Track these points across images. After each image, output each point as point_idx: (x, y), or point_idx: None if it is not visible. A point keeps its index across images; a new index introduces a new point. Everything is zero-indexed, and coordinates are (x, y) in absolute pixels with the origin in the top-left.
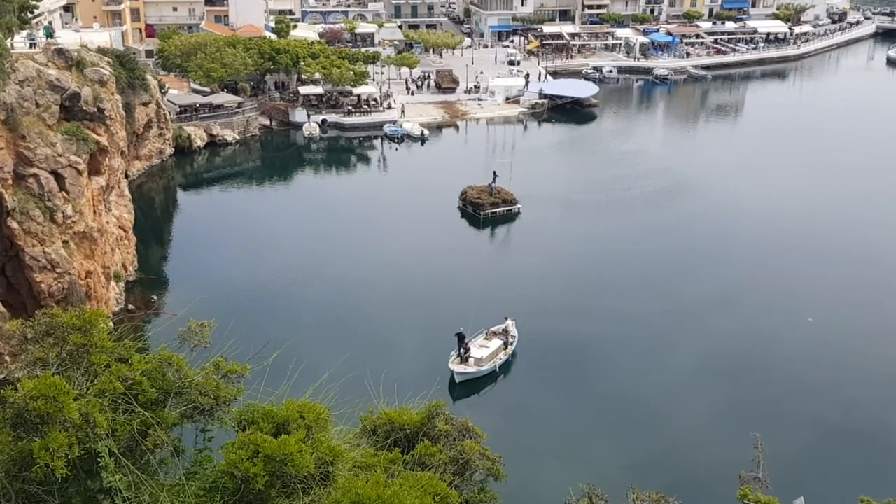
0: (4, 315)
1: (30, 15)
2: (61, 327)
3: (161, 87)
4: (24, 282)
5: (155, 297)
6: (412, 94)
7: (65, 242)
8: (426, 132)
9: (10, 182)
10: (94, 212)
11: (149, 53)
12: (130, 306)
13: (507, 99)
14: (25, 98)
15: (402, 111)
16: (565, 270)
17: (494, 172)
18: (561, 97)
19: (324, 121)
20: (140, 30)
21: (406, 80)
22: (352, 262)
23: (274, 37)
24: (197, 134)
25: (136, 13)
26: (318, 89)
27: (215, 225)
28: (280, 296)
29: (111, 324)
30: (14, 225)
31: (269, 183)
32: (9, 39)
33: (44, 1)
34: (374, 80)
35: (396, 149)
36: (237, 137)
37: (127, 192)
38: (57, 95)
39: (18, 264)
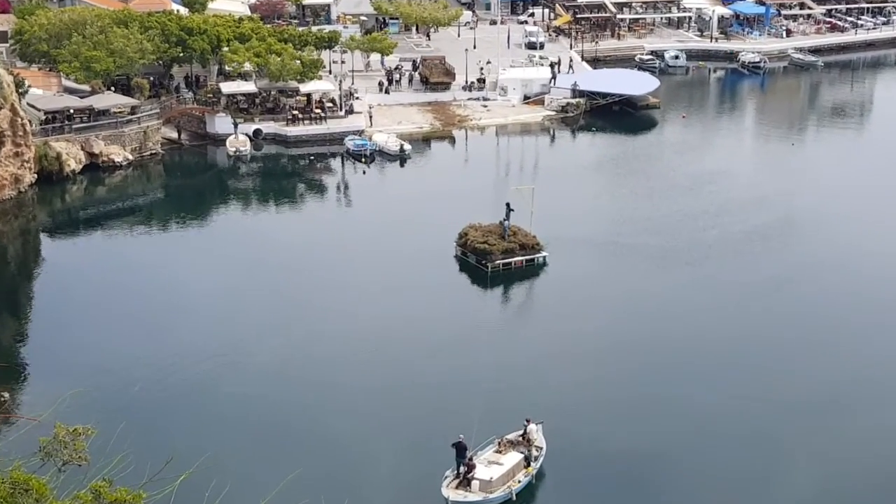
0: None
1: None
2: None
3: (18, 85)
4: None
5: (5, 395)
6: (387, 92)
7: None
8: (407, 147)
9: None
10: None
11: (0, 36)
12: None
13: (526, 98)
14: None
15: (371, 117)
16: (613, 350)
17: (508, 205)
18: (604, 95)
19: (257, 132)
20: None
21: (388, 73)
22: (300, 336)
23: (184, 11)
24: (71, 153)
25: None
26: (250, 86)
27: (97, 286)
28: (192, 387)
29: None
30: None
31: (177, 224)
32: None
33: None
34: (330, 73)
35: (364, 172)
36: (130, 157)
37: None
38: None
39: None
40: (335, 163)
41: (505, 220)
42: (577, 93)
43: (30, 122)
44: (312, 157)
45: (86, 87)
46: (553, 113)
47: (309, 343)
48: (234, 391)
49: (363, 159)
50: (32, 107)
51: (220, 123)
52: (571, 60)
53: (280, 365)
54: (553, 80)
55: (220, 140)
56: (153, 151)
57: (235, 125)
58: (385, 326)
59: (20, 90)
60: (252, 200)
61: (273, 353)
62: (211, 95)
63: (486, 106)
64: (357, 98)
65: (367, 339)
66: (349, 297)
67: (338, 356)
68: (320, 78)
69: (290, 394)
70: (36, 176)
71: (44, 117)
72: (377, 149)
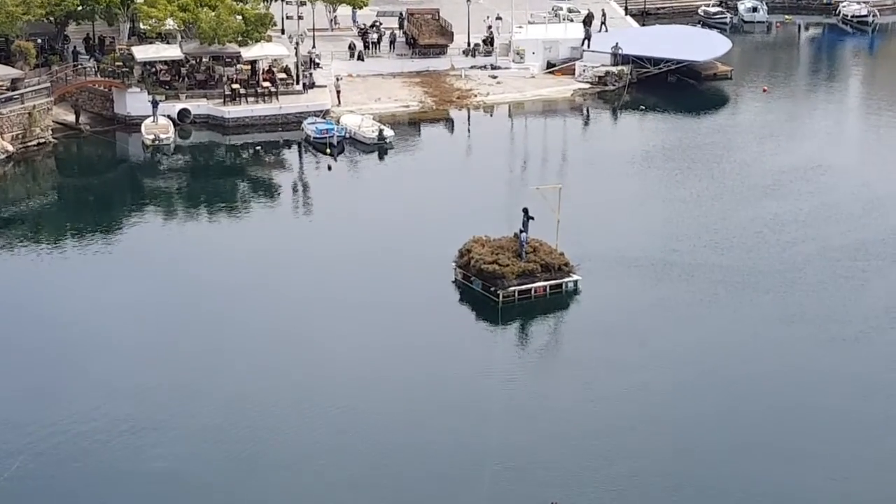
0: None
1: None
2: None
3: None
4: None
5: None
6: (360, 58)
7: None
8: (388, 133)
9: None
10: None
11: None
12: None
13: (550, 66)
14: None
15: (339, 93)
16: (666, 416)
17: (526, 212)
18: (656, 61)
19: (184, 113)
20: None
21: (361, 32)
22: (240, 391)
23: None
24: None
25: None
26: (173, 51)
27: None
28: (96, 463)
29: None
30: None
31: (74, 239)
32: None
33: None
34: (283, 33)
35: (330, 167)
36: (10, 149)
37: None
38: None
39: None
40: (290, 155)
41: (522, 231)
42: (619, 58)
43: None
44: (259, 148)
45: None
46: (587, 86)
47: (254, 400)
48: (155, 467)
49: (328, 150)
50: None
51: (134, 102)
52: (605, 16)
53: (218, 428)
54: (586, 42)
55: (133, 124)
56: (41, 140)
57: (154, 104)
58: (358, 378)
59: None
60: (176, 207)
61: (209, 412)
62: (120, 64)
63: (495, 77)
64: (320, 67)
65: (335, 397)
66: (311, 339)
67: (294, 418)
68: (269, 40)
69: (234, 469)
70: None
71: None
72: (347, 135)
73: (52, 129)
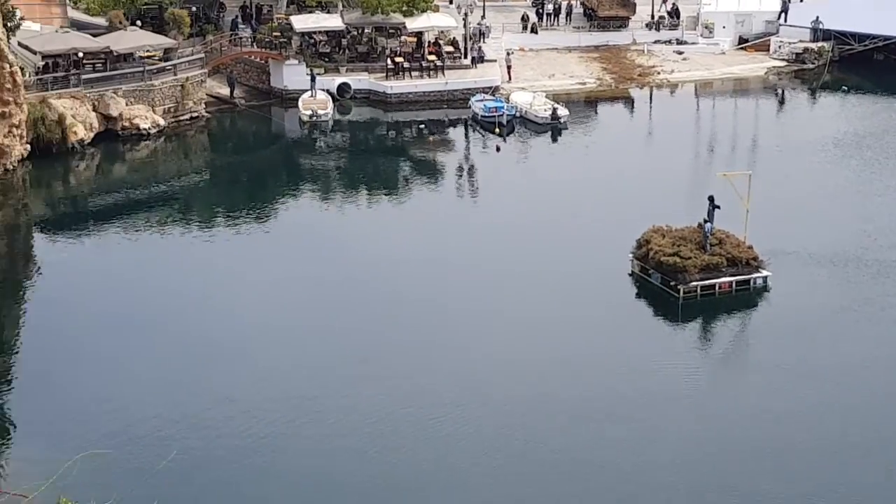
0: None
1: None
2: None
3: (7, 16)
4: None
5: None
6: (534, 31)
7: None
8: (563, 112)
9: None
10: None
11: None
12: None
13: (742, 42)
14: None
15: (510, 68)
16: (878, 433)
17: (711, 200)
18: (861, 37)
19: (343, 88)
20: None
21: (536, 2)
22: (399, 379)
23: None
24: (78, 115)
25: None
26: (334, 21)
27: (111, 306)
28: (248, 452)
29: None
30: None
31: (225, 219)
32: None
33: None
34: (451, 3)
35: (499, 148)
36: (161, 123)
37: None
38: None
39: None
40: (456, 134)
41: (706, 221)
42: (819, 33)
43: (21, 70)
44: (422, 126)
45: (101, 21)
46: (782, 63)
47: (411, 389)
48: (308, 465)
49: (497, 129)
50: (26, 48)
51: (291, 75)
52: None
53: (379, 426)
54: (783, 15)
55: (290, 99)
56: (194, 114)
57: (312, 78)
58: (531, 372)
59: (9, 24)
60: (333, 186)
61: (376, 399)
62: (278, 34)
63: (681, 52)
64: (489, 40)
65: (500, 394)
66: (473, 332)
67: (453, 411)
68: (436, 10)
69: (394, 466)
70: (29, 147)
71: (41, 64)
72: (517, 114)
73: (205, 103)
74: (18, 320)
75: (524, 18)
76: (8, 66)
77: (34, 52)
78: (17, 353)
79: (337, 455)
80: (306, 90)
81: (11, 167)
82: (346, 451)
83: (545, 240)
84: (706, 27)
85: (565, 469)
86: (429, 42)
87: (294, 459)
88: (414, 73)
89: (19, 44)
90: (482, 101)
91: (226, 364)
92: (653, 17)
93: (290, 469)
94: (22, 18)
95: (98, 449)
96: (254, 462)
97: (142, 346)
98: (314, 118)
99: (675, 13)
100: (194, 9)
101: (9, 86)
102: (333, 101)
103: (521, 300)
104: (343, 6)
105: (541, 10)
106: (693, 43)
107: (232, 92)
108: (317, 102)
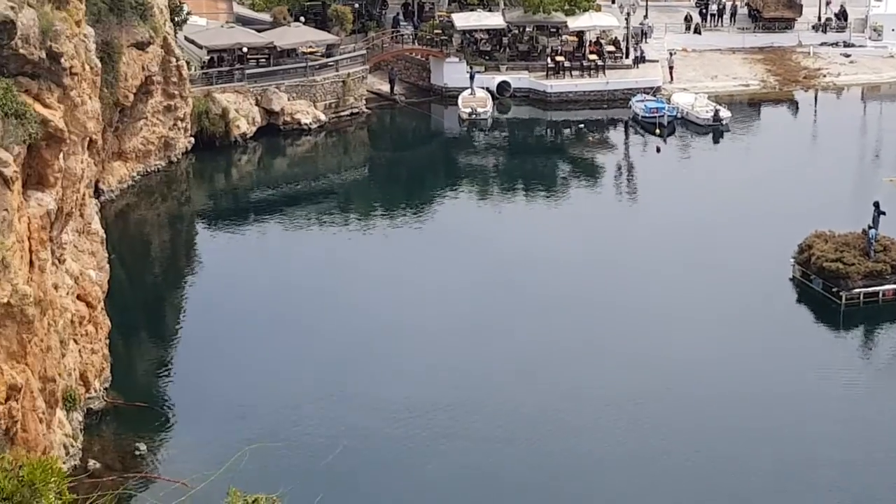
0: None
1: None
2: None
3: (174, 11)
4: None
5: (142, 447)
6: (697, 31)
7: None
8: (725, 114)
9: None
10: (31, 265)
11: None
12: (93, 462)
13: None
14: None
15: (672, 69)
16: None
17: (877, 206)
18: None
19: (503, 86)
20: None
21: (700, 2)
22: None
23: None
24: (242, 110)
25: None
26: (495, 20)
27: (273, 297)
28: (424, 448)
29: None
30: None
31: (384, 215)
32: None
33: None
34: (614, 2)
35: (659, 149)
36: (322, 118)
37: (98, 226)
38: None
39: None
40: (616, 134)
41: (871, 227)
42: None
43: (187, 64)
44: (582, 125)
45: (265, 17)
46: None
47: (569, 390)
48: (469, 463)
49: (658, 130)
50: (192, 42)
51: (451, 73)
52: None
53: (540, 427)
54: None
55: (449, 96)
56: (355, 110)
57: (472, 76)
58: (688, 374)
59: (176, 19)
60: (491, 185)
61: (530, 400)
62: (439, 32)
63: (848, 55)
64: (651, 40)
65: (655, 396)
66: (631, 332)
67: (611, 412)
68: (598, 9)
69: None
70: (193, 140)
71: (207, 58)
72: (679, 115)
73: (365, 99)
74: (180, 311)
75: (687, 19)
76: (174, 60)
77: (200, 47)
78: (179, 344)
79: (495, 453)
80: (466, 88)
81: (176, 159)
82: (505, 450)
83: (705, 242)
84: (875, 30)
85: (723, 468)
86: (590, 41)
87: (455, 458)
88: (574, 73)
89: (186, 38)
90: (643, 101)
91: (385, 363)
92: (819, 18)
93: (451, 467)
94: (189, 13)
95: (264, 442)
96: (416, 460)
97: (301, 342)
98: (473, 116)
99: (842, 15)
100: (357, 5)
101: (175, 79)
102: (493, 100)
103: (681, 301)
104: (505, 4)
105: (704, 11)
106: (861, 46)
107: (392, 88)
108: (476, 100)
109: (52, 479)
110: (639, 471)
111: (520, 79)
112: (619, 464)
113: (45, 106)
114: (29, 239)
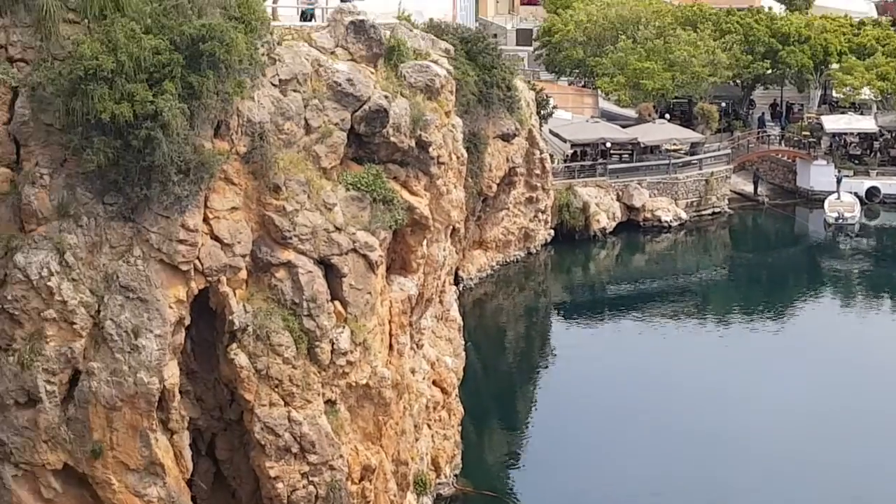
0: None
1: None
2: None
3: (541, 104)
4: (245, 473)
5: None
6: None
7: (329, 403)
8: None
9: (242, 274)
10: (391, 348)
11: (523, 36)
12: None
13: None
14: (287, 115)
15: None
16: None
17: None
18: None
19: (872, 192)
20: None
21: None
22: None
23: (779, 9)
24: (602, 204)
25: None
26: (867, 123)
27: (626, 391)
28: None
29: None
30: (241, 360)
31: (743, 316)
32: None
33: None
34: None
35: None
36: (683, 216)
37: (456, 313)
38: (346, 112)
39: (239, 438)
40: None
41: None
42: None
43: (551, 157)
44: None
45: (631, 113)
46: None
47: None
48: None
49: None
50: (556, 136)
51: (818, 175)
52: None
53: None
54: None
55: (815, 199)
56: (716, 209)
57: (839, 180)
58: None
59: (542, 112)
60: (855, 294)
61: None
62: (807, 134)
63: None
64: None
65: None
66: None
67: None
68: None
69: None
70: (552, 232)
71: (570, 152)
72: None
73: (728, 199)
74: (533, 400)
75: None
76: (538, 152)
77: (564, 140)
78: (530, 434)
79: None
80: (833, 192)
81: (535, 250)
82: None
83: None
84: None
85: None
86: None
87: None
88: None
89: (550, 131)
90: None
91: (736, 462)
92: None
93: None
94: (555, 107)
95: None
96: None
97: (652, 437)
98: (840, 221)
99: None
100: (723, 104)
101: (538, 172)
102: (861, 205)
103: None
104: (878, 108)
105: None
106: None
107: (756, 189)
108: (843, 205)
109: None
110: None
111: (891, 184)
112: None
113: (412, 193)
114: (390, 322)
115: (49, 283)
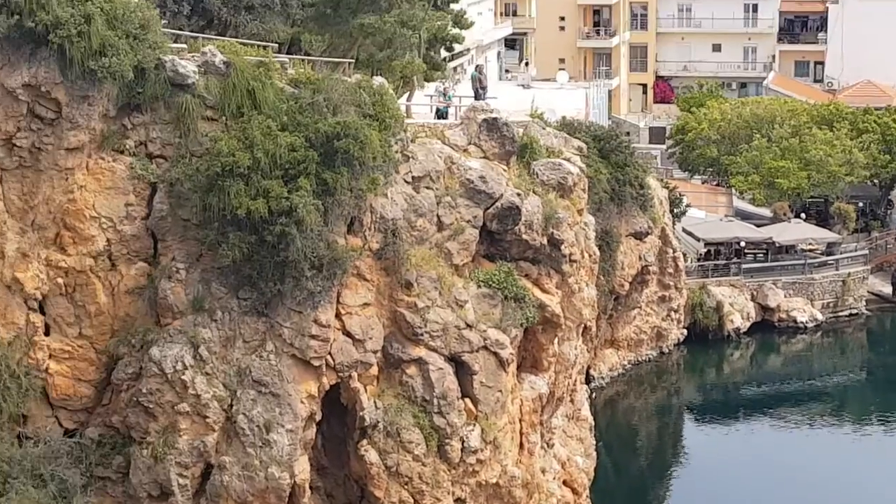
0: None
1: (446, 55)
2: None
3: (674, 202)
4: None
5: None
6: None
7: (458, 501)
8: None
9: (373, 370)
10: (521, 447)
11: (656, 134)
12: None
13: None
14: (419, 211)
15: None
16: None
17: None
18: None
19: None
20: (644, 87)
21: None
22: None
23: None
24: (736, 304)
25: (640, 54)
26: None
27: (762, 494)
28: None
29: None
30: (371, 456)
31: (877, 424)
32: (403, 97)
33: (472, 31)
34: None
35: None
36: (819, 317)
37: (587, 412)
38: (478, 209)
39: None
40: None
41: None
42: None
43: (684, 255)
44: None
45: (765, 212)
46: None
47: None
48: None
49: None
50: (690, 234)
51: None
52: None
53: None
54: None
55: None
56: (854, 311)
57: None
58: None
59: (675, 210)
60: None
61: None
62: None
63: None
64: None
65: None
66: None
67: None
68: None
69: None
70: (685, 332)
71: (703, 251)
72: None
73: (865, 300)
74: (663, 499)
75: None
76: (671, 251)
77: (697, 239)
78: None
79: None
80: None
81: (668, 350)
82: None
83: None
84: None
85: None
86: None
87: None
88: None
89: (684, 230)
90: None
91: None
92: None
93: None
94: (688, 206)
95: None
96: None
97: None
98: None
99: None
100: (860, 204)
101: (671, 270)
102: None
103: None
104: None
105: None
106: None
107: (894, 291)
108: None
109: None
110: None
111: None
112: None
113: (544, 291)
114: (520, 421)
115: (183, 377)
